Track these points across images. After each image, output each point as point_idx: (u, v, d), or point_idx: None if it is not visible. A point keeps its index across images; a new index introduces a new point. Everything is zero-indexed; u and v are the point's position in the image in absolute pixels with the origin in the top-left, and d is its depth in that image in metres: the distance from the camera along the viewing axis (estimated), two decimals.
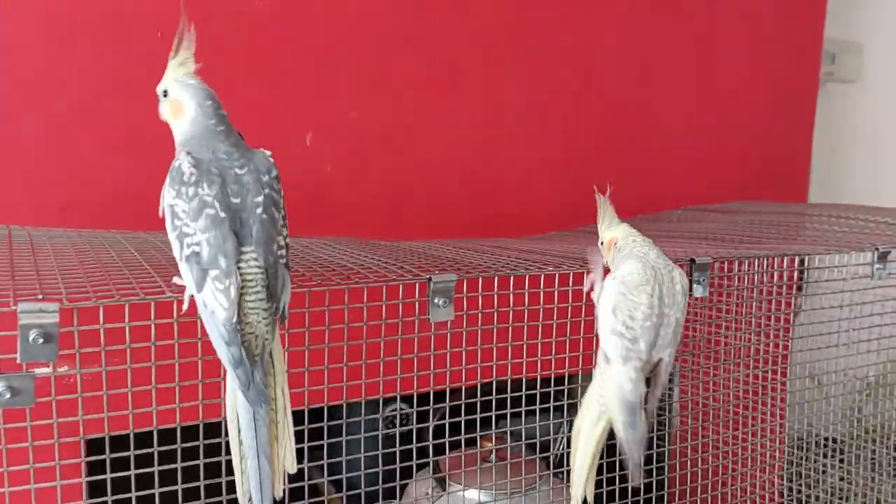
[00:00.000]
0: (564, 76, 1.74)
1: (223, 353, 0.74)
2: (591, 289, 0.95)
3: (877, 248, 1.24)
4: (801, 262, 1.31)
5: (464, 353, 1.01)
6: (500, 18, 1.65)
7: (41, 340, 0.70)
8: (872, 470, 1.59)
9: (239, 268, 0.75)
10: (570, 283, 1.02)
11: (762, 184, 2.03)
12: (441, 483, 1.27)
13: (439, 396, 1.09)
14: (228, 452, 0.85)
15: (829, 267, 1.32)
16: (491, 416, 1.08)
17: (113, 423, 0.83)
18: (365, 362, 0.95)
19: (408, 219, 1.59)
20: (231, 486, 0.87)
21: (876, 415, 1.57)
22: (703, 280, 1.09)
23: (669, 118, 1.90)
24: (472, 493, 1.25)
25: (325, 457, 0.99)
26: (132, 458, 0.84)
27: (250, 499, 0.79)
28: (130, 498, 0.84)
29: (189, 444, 0.88)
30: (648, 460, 1.22)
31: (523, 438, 1.15)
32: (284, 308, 0.79)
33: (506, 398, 1.08)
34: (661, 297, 0.90)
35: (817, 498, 1.57)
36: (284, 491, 0.81)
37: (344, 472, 1.04)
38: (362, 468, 1.03)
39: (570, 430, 0.99)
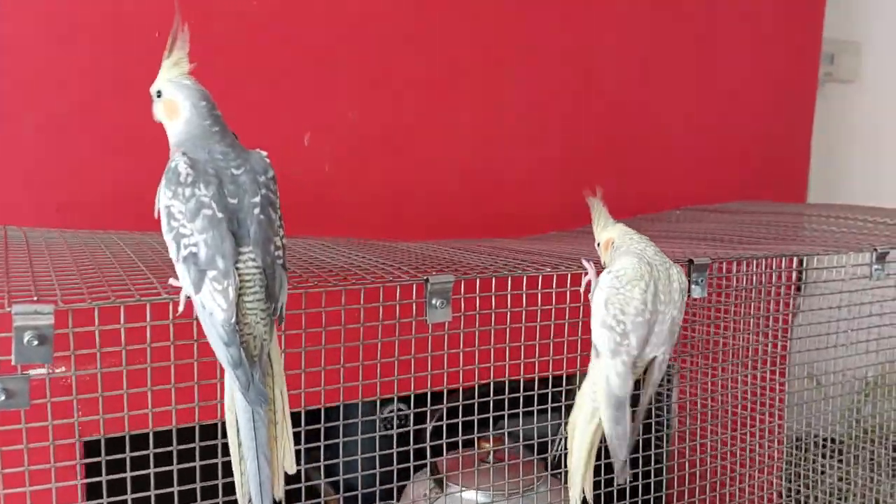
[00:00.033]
0: (564, 76, 1.74)
1: (222, 355, 0.74)
2: (588, 290, 0.95)
3: (875, 249, 1.24)
4: (800, 262, 1.30)
5: (461, 354, 1.01)
6: (499, 18, 1.65)
7: (36, 342, 0.70)
8: (871, 470, 1.58)
9: (237, 268, 0.75)
10: (568, 284, 1.02)
11: (761, 184, 2.02)
12: (439, 484, 1.27)
13: (437, 397, 1.09)
14: (225, 454, 0.85)
15: (828, 268, 1.32)
16: (489, 418, 1.08)
17: (110, 425, 0.83)
18: (362, 364, 0.95)
19: (407, 219, 1.59)
20: (227, 488, 0.87)
21: (874, 415, 1.57)
22: (702, 281, 1.08)
23: (669, 118, 1.89)
24: (470, 494, 1.25)
25: (321, 458, 0.99)
26: (128, 461, 0.83)
27: (250, 500, 0.78)
28: (126, 500, 0.84)
29: (185, 447, 0.87)
30: (647, 461, 1.22)
31: (521, 439, 1.15)
32: (282, 309, 0.79)
33: (504, 399, 1.08)
34: (656, 294, 0.89)
35: (816, 499, 1.57)
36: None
37: (341, 473, 1.03)
38: (359, 470, 1.03)
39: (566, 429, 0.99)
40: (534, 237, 1.64)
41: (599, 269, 0.96)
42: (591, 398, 0.94)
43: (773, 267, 1.31)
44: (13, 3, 1.25)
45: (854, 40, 2.38)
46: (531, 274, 1.00)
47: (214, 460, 0.89)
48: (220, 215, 0.75)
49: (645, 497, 1.19)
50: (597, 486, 1.06)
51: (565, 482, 1.00)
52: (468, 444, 1.24)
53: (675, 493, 1.27)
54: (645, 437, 1.22)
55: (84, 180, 1.30)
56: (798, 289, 1.43)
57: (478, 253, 1.17)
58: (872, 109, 2.42)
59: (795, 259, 1.28)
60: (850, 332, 1.36)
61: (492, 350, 1.03)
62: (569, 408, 0.99)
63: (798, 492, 1.57)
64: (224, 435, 0.83)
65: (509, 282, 1.00)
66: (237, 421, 0.78)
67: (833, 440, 1.54)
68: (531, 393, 1.08)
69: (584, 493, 0.98)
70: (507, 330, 1.03)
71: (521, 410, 1.08)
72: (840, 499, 1.58)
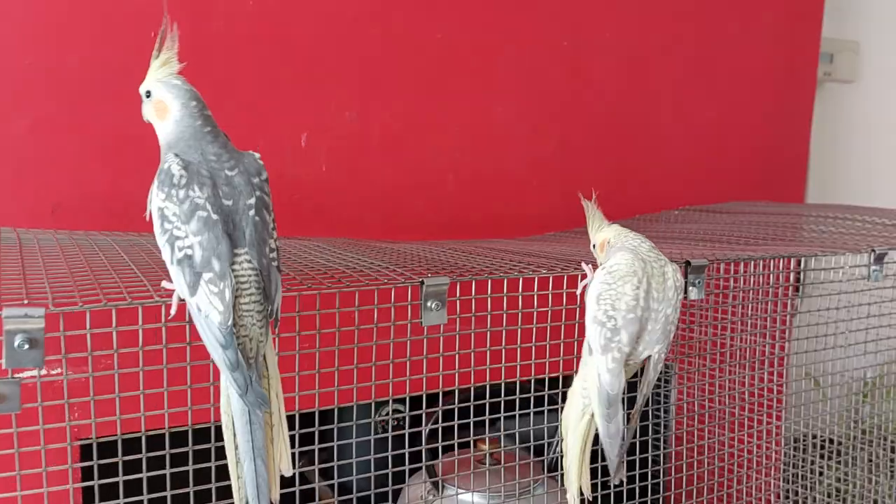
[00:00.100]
0: (560, 76, 1.74)
1: (219, 357, 0.74)
2: (585, 291, 0.95)
3: (873, 250, 1.24)
4: (798, 263, 1.30)
5: (457, 356, 1.00)
6: (495, 19, 1.64)
7: (27, 346, 0.69)
8: (870, 471, 1.58)
9: (233, 270, 0.74)
10: (564, 286, 1.02)
11: (759, 184, 2.02)
12: (436, 486, 1.26)
13: (433, 400, 1.09)
14: (219, 457, 0.84)
15: (826, 269, 1.31)
16: (485, 420, 1.08)
17: (103, 428, 0.82)
18: (356, 366, 0.95)
19: (403, 220, 1.58)
20: (221, 492, 0.87)
21: (873, 416, 1.56)
22: (699, 282, 1.08)
23: (667, 118, 1.89)
24: (467, 497, 1.25)
25: (316, 461, 0.98)
26: (120, 465, 0.83)
27: (247, 502, 0.78)
28: None
29: (179, 450, 0.87)
30: (646, 462, 1.21)
31: (517, 441, 1.14)
32: (277, 311, 0.78)
33: (500, 401, 1.07)
34: (649, 291, 0.89)
35: (814, 499, 1.57)
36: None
37: (336, 476, 1.03)
38: (354, 472, 1.02)
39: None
40: (530, 238, 1.64)
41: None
42: (583, 395, 0.93)
43: (771, 268, 1.31)
44: (5, 4, 1.25)
45: (853, 40, 2.38)
46: (527, 276, 0.99)
47: (208, 464, 0.88)
48: (215, 217, 0.75)
49: (643, 499, 1.19)
50: (597, 487, 1.06)
51: (562, 484, 1.00)
52: (465, 446, 1.24)
53: (673, 495, 1.27)
54: (644, 438, 1.21)
55: (79, 181, 1.30)
56: (796, 289, 1.43)
57: (473, 254, 1.17)
58: (871, 109, 2.41)
59: (793, 260, 1.27)
60: (848, 334, 1.36)
61: (487, 352, 1.02)
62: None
63: (797, 493, 1.57)
64: (218, 438, 0.83)
65: (505, 284, 1.00)
66: (233, 424, 0.77)
67: (831, 441, 1.54)
68: (527, 395, 1.08)
69: (582, 491, 0.97)
70: (503, 332, 1.03)
71: (517, 413, 1.08)
72: (839, 499, 1.58)
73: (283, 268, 0.89)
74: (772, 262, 1.26)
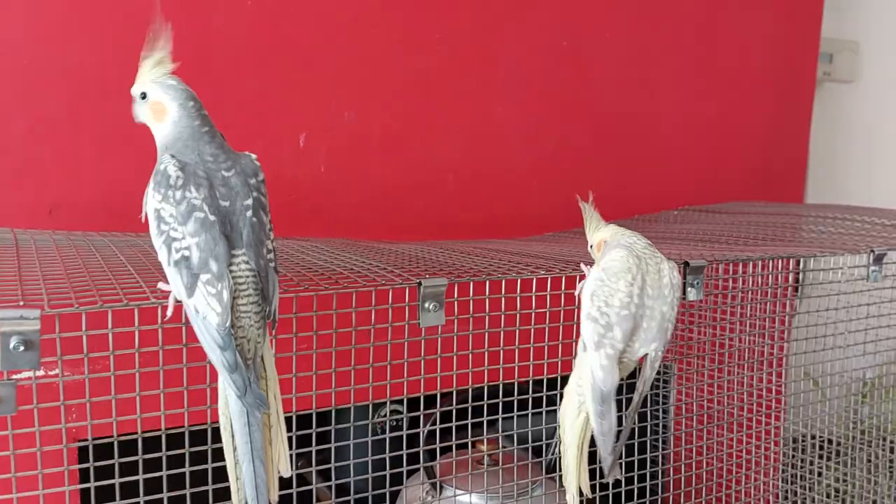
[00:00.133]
0: (560, 76, 1.73)
1: (217, 359, 0.73)
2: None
3: (872, 251, 1.23)
4: (797, 263, 1.30)
5: (455, 357, 1.00)
6: (494, 18, 1.64)
7: (22, 348, 0.69)
8: (869, 472, 1.58)
9: (230, 271, 0.74)
10: (563, 287, 1.01)
11: (759, 184, 2.02)
12: (434, 487, 1.26)
13: (433, 400, 1.08)
14: (216, 459, 0.84)
15: (825, 269, 1.31)
16: (483, 421, 1.07)
17: (102, 430, 0.82)
18: (354, 368, 0.94)
19: (402, 220, 1.58)
20: (217, 494, 0.87)
21: (871, 416, 1.56)
22: (698, 283, 1.08)
23: (666, 118, 1.89)
24: (465, 498, 1.25)
25: (313, 463, 0.98)
26: (116, 466, 0.83)
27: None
28: None
29: (175, 452, 0.87)
30: (646, 463, 1.21)
31: (515, 442, 1.14)
32: (275, 312, 0.78)
33: (498, 402, 1.07)
34: (644, 288, 0.89)
35: (813, 500, 1.56)
36: None
37: (333, 478, 1.03)
38: (351, 474, 1.02)
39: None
40: (529, 238, 1.64)
41: None
42: (578, 393, 0.93)
43: (770, 269, 1.30)
44: (2, 3, 1.24)
45: (853, 40, 2.38)
46: (525, 277, 0.99)
47: (205, 466, 0.88)
48: (212, 218, 0.74)
49: (641, 500, 1.19)
50: (597, 488, 1.06)
51: (561, 485, 0.99)
52: (463, 447, 1.23)
53: (672, 496, 1.27)
54: (642, 439, 1.21)
55: (76, 181, 1.30)
56: (795, 290, 1.43)
57: (472, 255, 1.17)
58: (871, 109, 2.41)
59: (792, 260, 1.27)
60: (847, 334, 1.36)
61: (486, 353, 1.02)
62: None
63: (795, 494, 1.57)
64: (215, 439, 0.82)
65: (503, 285, 0.99)
66: (232, 425, 0.77)
67: (830, 441, 1.54)
68: (525, 397, 1.07)
69: (582, 490, 0.97)
70: (501, 333, 1.02)
71: (515, 414, 1.08)
72: (838, 500, 1.57)
73: (280, 269, 0.88)
74: (770, 262, 1.25)
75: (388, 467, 1.03)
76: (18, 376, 0.73)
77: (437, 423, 1.06)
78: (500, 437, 1.26)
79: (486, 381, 1.03)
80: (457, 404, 1.07)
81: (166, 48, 0.80)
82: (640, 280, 0.89)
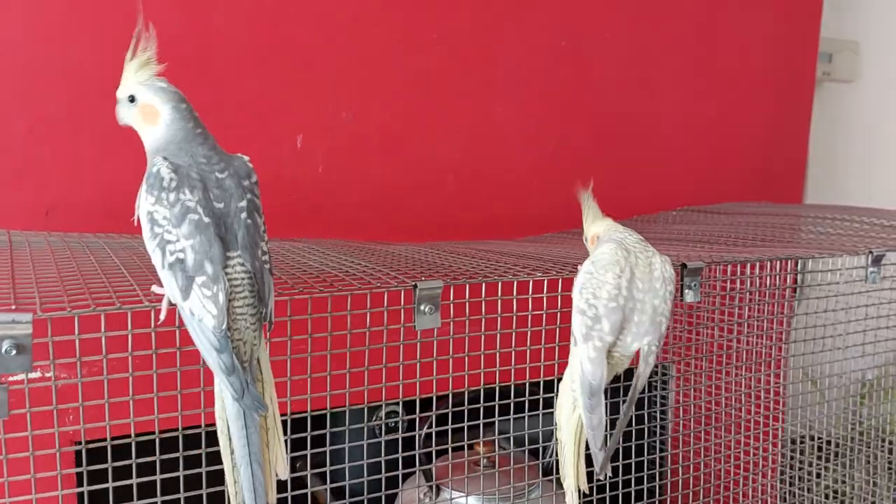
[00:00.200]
0: (561, 76, 1.73)
1: (213, 362, 0.73)
2: None
3: (871, 252, 1.23)
4: (795, 264, 1.30)
5: (451, 360, 1.00)
6: (494, 18, 1.64)
7: (14, 351, 0.69)
8: (868, 473, 1.58)
9: (225, 273, 0.74)
10: (560, 289, 1.01)
11: (758, 184, 2.02)
12: (431, 489, 1.26)
13: (429, 402, 1.08)
14: (210, 463, 0.84)
15: (823, 270, 1.31)
16: (480, 423, 1.07)
17: (92, 433, 0.82)
18: (349, 371, 0.94)
19: (402, 220, 1.58)
20: (212, 498, 0.87)
21: (871, 418, 1.56)
22: (695, 285, 1.07)
23: (665, 118, 1.89)
24: (462, 500, 1.25)
25: (308, 465, 0.98)
26: (110, 471, 0.83)
27: None
28: None
29: (169, 456, 0.87)
30: (647, 465, 1.21)
31: (512, 444, 1.14)
32: (271, 314, 0.78)
33: (495, 404, 1.07)
34: (633, 281, 0.89)
35: (812, 501, 1.56)
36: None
37: (328, 481, 1.03)
38: (347, 477, 1.02)
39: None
40: (528, 238, 1.63)
41: None
42: (572, 388, 0.93)
43: (768, 270, 1.30)
44: (2, 3, 1.24)
45: (852, 40, 2.37)
46: (521, 279, 0.99)
47: (199, 469, 0.88)
48: (206, 220, 0.74)
49: (640, 502, 1.18)
50: (599, 489, 1.06)
51: (558, 488, 0.99)
52: (460, 449, 1.23)
53: (669, 498, 1.26)
54: (640, 441, 1.21)
55: (76, 182, 1.29)
56: (794, 291, 1.43)
57: (468, 256, 1.17)
58: (870, 109, 2.41)
59: (791, 261, 1.27)
60: (845, 336, 1.36)
61: (482, 356, 1.02)
62: None
63: (794, 495, 1.56)
64: (209, 443, 0.82)
65: (499, 287, 0.99)
66: (228, 429, 0.77)
67: (828, 442, 1.53)
68: (522, 399, 1.07)
69: (580, 486, 0.97)
70: (498, 335, 1.02)
71: (511, 416, 1.08)
72: (837, 501, 1.57)
73: (275, 271, 0.88)
74: (769, 263, 1.25)
75: (383, 470, 1.03)
76: (12, 379, 0.73)
77: (434, 425, 1.06)
78: (496, 440, 1.26)
79: (482, 383, 1.03)
80: (453, 407, 1.06)
81: (152, 49, 0.79)
82: (628, 273, 0.89)
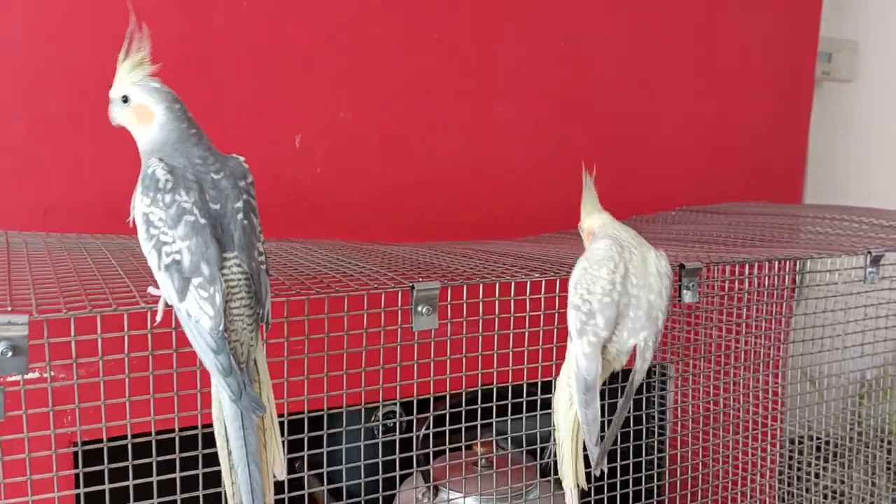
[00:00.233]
0: (561, 76, 1.73)
1: (210, 363, 0.73)
2: None
3: (869, 252, 1.23)
4: (794, 265, 1.30)
5: (448, 361, 1.00)
6: (494, 18, 1.64)
7: (10, 353, 0.69)
8: (867, 473, 1.58)
9: (222, 274, 0.74)
10: (557, 290, 1.01)
11: (758, 183, 2.02)
12: (429, 490, 1.26)
13: (427, 403, 1.08)
14: (206, 465, 0.84)
15: (822, 271, 1.31)
16: (478, 424, 1.07)
17: (88, 435, 0.82)
18: (346, 372, 0.94)
19: (401, 220, 1.58)
20: (210, 499, 0.87)
21: (870, 418, 1.56)
22: (694, 286, 1.07)
23: (664, 118, 1.88)
24: (460, 500, 1.25)
25: (305, 466, 0.98)
26: (106, 472, 0.83)
27: None
28: None
29: (165, 458, 0.87)
30: (646, 465, 1.21)
31: (509, 445, 1.14)
32: (268, 314, 0.78)
33: (493, 405, 1.07)
34: (627, 276, 0.89)
35: (810, 501, 1.56)
36: None
37: (325, 483, 1.03)
38: (344, 479, 1.02)
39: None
40: (527, 239, 1.63)
41: None
42: (568, 384, 0.93)
43: (766, 270, 1.30)
44: (2, 3, 1.24)
45: (851, 39, 2.37)
46: (519, 280, 0.99)
47: (196, 471, 0.88)
48: (202, 221, 0.74)
49: (639, 502, 1.18)
50: (598, 490, 1.06)
51: (556, 489, 0.99)
52: (458, 449, 1.23)
53: (667, 499, 1.26)
54: (638, 442, 1.21)
55: (76, 182, 1.29)
56: (793, 291, 1.43)
57: (466, 257, 1.17)
58: (870, 109, 2.41)
59: (789, 262, 1.27)
60: (844, 336, 1.35)
61: (479, 357, 1.02)
62: None
63: (792, 495, 1.56)
64: (206, 445, 0.82)
65: (497, 288, 0.99)
66: (226, 430, 0.77)
67: (827, 443, 1.53)
68: (520, 400, 1.07)
69: (577, 480, 0.97)
70: (495, 337, 1.02)
71: (509, 418, 1.08)
72: (835, 501, 1.57)
73: (272, 272, 0.88)
74: (767, 264, 1.25)
75: (380, 471, 1.03)
76: (9, 380, 0.73)
77: (431, 426, 1.06)
78: (493, 441, 1.26)
79: (479, 384, 1.03)
80: (451, 407, 1.06)
81: (145, 49, 0.79)
82: (622, 268, 0.89)
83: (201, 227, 0.73)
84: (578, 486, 0.96)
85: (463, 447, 1.13)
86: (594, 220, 0.98)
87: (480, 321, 1.00)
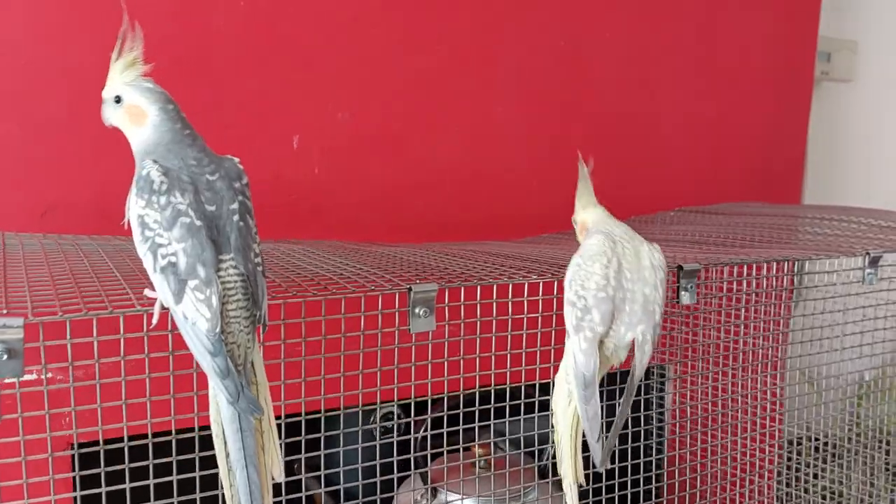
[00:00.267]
0: (560, 76, 1.73)
1: (207, 365, 0.72)
2: None
3: (868, 253, 1.23)
4: (792, 266, 1.30)
5: (446, 363, 1.00)
6: (494, 18, 1.64)
7: (5, 356, 0.69)
8: (865, 473, 1.58)
9: (218, 276, 0.73)
10: (555, 291, 1.01)
11: (758, 183, 2.01)
12: (428, 492, 1.26)
13: (425, 404, 1.08)
14: (204, 467, 0.84)
15: (821, 272, 1.31)
16: (476, 425, 1.07)
17: (88, 437, 0.82)
18: (343, 374, 0.94)
19: (401, 220, 1.58)
20: (207, 501, 0.87)
21: (869, 418, 1.56)
22: (692, 287, 1.07)
23: (663, 118, 1.88)
24: (459, 502, 1.25)
25: (303, 468, 0.98)
26: (102, 475, 0.83)
27: None
28: None
29: (161, 460, 0.86)
30: (646, 467, 1.21)
31: (507, 447, 1.14)
32: (264, 316, 0.78)
33: (491, 407, 1.07)
34: (621, 271, 0.89)
35: (809, 502, 1.56)
36: None
37: (323, 484, 1.03)
38: (342, 481, 1.02)
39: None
40: (527, 239, 1.63)
41: None
42: (567, 381, 0.93)
43: (765, 271, 1.30)
44: (2, 3, 1.24)
45: (851, 39, 2.37)
46: (517, 281, 0.99)
47: (193, 473, 0.88)
48: (198, 223, 0.73)
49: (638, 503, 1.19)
50: (597, 491, 1.06)
51: (556, 491, 0.99)
52: (456, 451, 1.23)
53: (667, 499, 1.26)
54: (636, 444, 1.21)
55: (75, 182, 1.29)
56: (791, 292, 1.43)
57: (464, 259, 1.16)
58: (869, 109, 2.40)
59: (788, 263, 1.27)
60: (843, 337, 1.35)
61: (477, 359, 1.02)
62: None
63: (791, 496, 1.56)
64: (203, 447, 0.82)
65: (494, 289, 0.99)
66: (224, 432, 0.76)
67: (827, 443, 1.53)
68: (518, 402, 1.07)
69: (576, 478, 0.97)
70: (493, 338, 1.02)
71: (507, 419, 1.08)
72: (834, 502, 1.57)
73: (269, 274, 0.88)
74: (766, 265, 1.25)
75: (378, 473, 1.03)
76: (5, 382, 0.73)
77: (429, 428, 1.06)
78: (491, 442, 1.26)
79: (477, 385, 1.03)
80: (449, 409, 1.06)
81: (138, 49, 0.78)
82: (615, 263, 0.89)
83: (197, 229, 0.73)
84: (578, 483, 0.96)
85: (461, 449, 1.13)
86: (588, 214, 0.98)
87: (478, 323, 1.00)
